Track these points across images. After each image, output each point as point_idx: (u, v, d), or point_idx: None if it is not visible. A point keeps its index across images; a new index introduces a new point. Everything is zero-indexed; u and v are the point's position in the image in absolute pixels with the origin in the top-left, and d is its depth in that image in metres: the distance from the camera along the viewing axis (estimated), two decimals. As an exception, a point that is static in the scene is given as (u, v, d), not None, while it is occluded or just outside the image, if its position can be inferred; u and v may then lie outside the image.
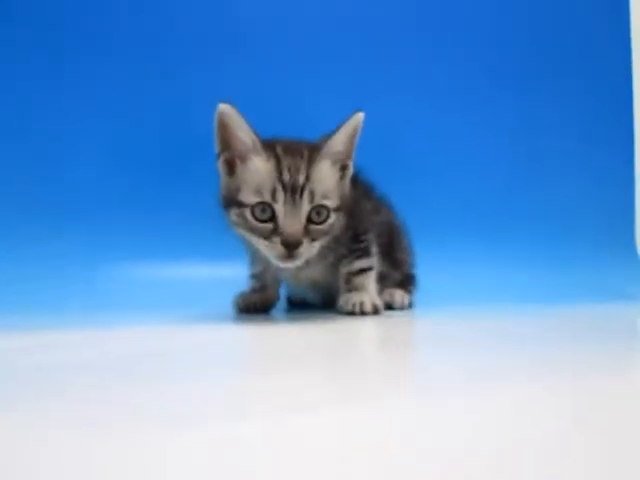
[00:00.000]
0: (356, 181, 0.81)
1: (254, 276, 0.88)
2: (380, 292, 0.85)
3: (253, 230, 0.71)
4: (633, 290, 1.23)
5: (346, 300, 0.79)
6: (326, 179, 0.73)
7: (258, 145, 0.72)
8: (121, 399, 0.32)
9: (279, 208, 0.69)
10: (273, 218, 0.70)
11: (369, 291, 0.81)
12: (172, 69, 1.34)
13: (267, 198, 0.69)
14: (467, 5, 1.49)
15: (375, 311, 0.78)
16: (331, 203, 0.72)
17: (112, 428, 0.27)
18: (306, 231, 0.70)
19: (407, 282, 0.96)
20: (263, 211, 0.70)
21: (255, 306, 0.85)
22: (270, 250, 0.71)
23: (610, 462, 0.22)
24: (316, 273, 0.81)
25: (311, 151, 0.73)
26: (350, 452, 0.23)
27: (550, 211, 1.49)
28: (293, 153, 0.71)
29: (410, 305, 0.94)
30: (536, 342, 0.57)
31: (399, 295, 0.91)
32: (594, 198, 1.52)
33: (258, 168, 0.71)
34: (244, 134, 0.72)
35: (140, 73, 1.33)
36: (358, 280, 0.81)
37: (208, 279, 1.14)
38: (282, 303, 0.92)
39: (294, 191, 0.69)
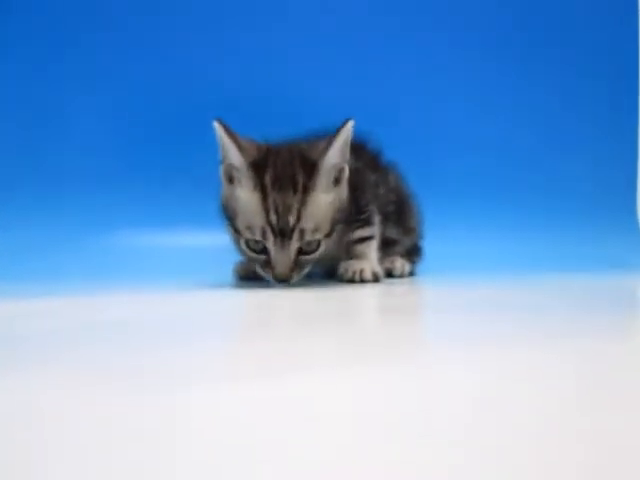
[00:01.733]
0: (362, 151, 0.80)
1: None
2: (382, 260, 0.84)
3: (247, 256, 0.74)
4: (634, 259, 1.23)
5: (346, 268, 0.79)
6: (319, 210, 0.71)
7: (244, 169, 0.71)
8: (119, 362, 0.32)
9: (270, 246, 0.70)
10: (266, 251, 0.71)
11: (370, 259, 0.81)
12: (181, 35, 1.31)
13: (258, 237, 0.70)
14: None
15: (375, 279, 0.78)
16: (322, 233, 0.72)
17: (111, 389, 0.26)
18: (296, 264, 0.72)
19: (412, 252, 0.97)
20: (256, 243, 0.71)
21: (255, 274, 0.85)
22: (264, 275, 0.74)
23: (612, 426, 0.22)
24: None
25: (306, 177, 0.71)
26: (352, 413, 0.23)
27: (551, 181, 1.48)
28: (283, 185, 0.70)
29: (411, 273, 0.94)
30: (537, 310, 0.57)
31: (400, 263, 0.90)
32: (595, 168, 1.51)
33: (245, 200, 0.71)
34: (232, 155, 0.72)
35: (149, 41, 1.31)
36: (359, 248, 0.81)
37: (209, 246, 1.14)
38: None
39: (283, 234, 0.69)
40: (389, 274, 0.88)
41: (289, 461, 0.18)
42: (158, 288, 0.76)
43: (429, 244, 1.02)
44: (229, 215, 0.74)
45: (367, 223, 0.81)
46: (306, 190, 0.70)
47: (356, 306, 0.62)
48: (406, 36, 1.41)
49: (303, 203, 0.70)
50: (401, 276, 0.90)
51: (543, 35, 1.49)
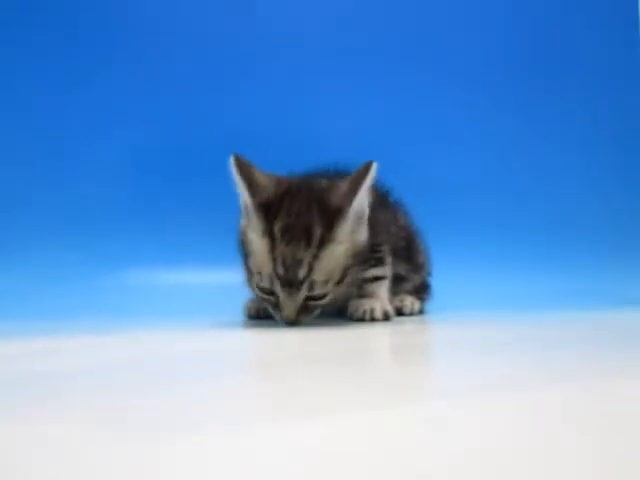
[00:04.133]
0: (373, 189, 0.81)
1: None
2: (391, 298, 0.84)
3: (257, 295, 0.73)
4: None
5: (356, 306, 0.79)
6: (333, 262, 0.69)
7: (253, 210, 0.70)
8: (126, 404, 0.32)
9: (278, 291, 0.69)
10: (275, 293, 0.70)
11: (380, 298, 0.80)
12: (188, 76, 1.35)
13: (266, 284, 0.69)
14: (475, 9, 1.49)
15: (385, 317, 0.78)
16: (333, 283, 0.70)
17: (115, 434, 0.26)
18: (303, 309, 0.70)
19: (421, 290, 0.97)
20: (265, 285, 0.70)
21: (265, 312, 0.85)
22: (273, 314, 0.73)
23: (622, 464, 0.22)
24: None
25: (325, 228, 0.68)
26: (366, 458, 0.23)
27: (562, 217, 1.49)
28: (295, 236, 0.66)
29: (421, 311, 0.93)
30: (549, 348, 0.56)
31: (409, 301, 0.91)
32: (604, 203, 1.51)
33: (255, 244, 0.70)
34: (243, 194, 0.72)
35: (156, 82, 1.34)
36: (370, 287, 0.81)
37: (218, 285, 1.14)
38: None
39: (291, 285, 0.68)
40: (399, 312, 0.88)
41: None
42: (167, 327, 0.76)
43: (439, 281, 1.02)
44: (245, 251, 0.73)
45: (380, 262, 0.82)
46: (323, 243, 0.68)
47: (367, 346, 0.62)
48: (401, 77, 1.45)
49: (316, 257, 0.67)
50: (411, 314, 0.90)
51: (544, 73, 1.52)
